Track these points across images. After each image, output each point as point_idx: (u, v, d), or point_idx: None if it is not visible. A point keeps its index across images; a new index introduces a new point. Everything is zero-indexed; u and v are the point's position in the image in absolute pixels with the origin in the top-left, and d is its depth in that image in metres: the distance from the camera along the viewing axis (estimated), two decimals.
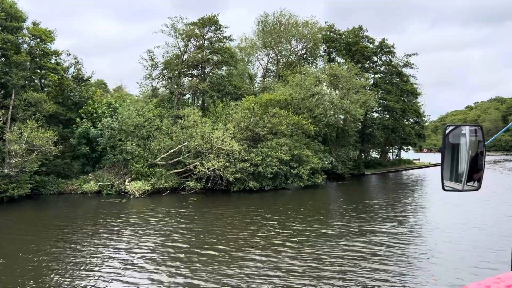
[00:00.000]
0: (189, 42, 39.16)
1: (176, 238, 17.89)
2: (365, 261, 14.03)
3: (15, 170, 25.37)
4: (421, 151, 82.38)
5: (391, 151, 67.93)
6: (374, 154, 62.03)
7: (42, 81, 35.17)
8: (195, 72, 42.82)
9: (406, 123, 60.84)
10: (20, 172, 26.36)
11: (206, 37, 40.36)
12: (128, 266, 13.92)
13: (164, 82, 42.85)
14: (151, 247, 16.37)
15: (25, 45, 32.66)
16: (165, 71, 41.84)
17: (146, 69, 43.12)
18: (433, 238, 17.81)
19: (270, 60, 51.79)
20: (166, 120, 33.80)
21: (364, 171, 50.89)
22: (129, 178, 30.76)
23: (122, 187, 29.86)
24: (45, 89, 36.48)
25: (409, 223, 21.01)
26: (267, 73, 52.24)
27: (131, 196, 28.56)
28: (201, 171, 29.61)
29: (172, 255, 15.37)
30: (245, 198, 29.77)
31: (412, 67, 58.97)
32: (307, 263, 13.89)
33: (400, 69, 57.86)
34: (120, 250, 16.08)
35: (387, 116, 54.26)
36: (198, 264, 14.04)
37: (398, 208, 25.45)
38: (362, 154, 56.05)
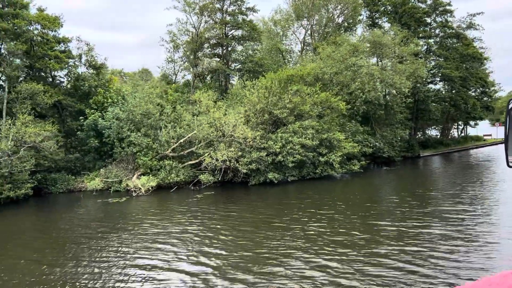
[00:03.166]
0: (204, 17, 34.99)
1: (157, 247, 14.30)
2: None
3: (5, 170, 23.12)
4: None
5: (455, 127, 59.64)
6: (433, 132, 54.47)
7: (53, 72, 33.00)
8: (218, 51, 38.80)
9: (472, 94, 52.49)
10: (17, 172, 24.13)
11: (226, 10, 35.99)
12: None
13: (186, 64, 39.40)
14: (109, 266, 12.79)
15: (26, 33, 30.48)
16: (188, 52, 38.32)
17: (168, 51, 40.03)
18: (504, 250, 12.37)
19: (308, 32, 46.22)
20: (178, 107, 30.11)
21: (419, 152, 44.25)
22: (138, 173, 27.71)
23: (125, 184, 26.84)
24: (61, 80, 34.57)
25: (469, 226, 15.38)
26: (305, 47, 46.80)
27: (134, 194, 25.35)
28: (210, 163, 25.64)
29: (133, 278, 11.62)
30: (264, 192, 25.42)
31: (477, 29, 50.33)
32: None
33: (462, 31, 49.50)
34: (67, 271, 12.64)
35: (447, 87, 46.46)
36: None
37: (456, 201, 19.71)
38: (418, 133, 48.95)
